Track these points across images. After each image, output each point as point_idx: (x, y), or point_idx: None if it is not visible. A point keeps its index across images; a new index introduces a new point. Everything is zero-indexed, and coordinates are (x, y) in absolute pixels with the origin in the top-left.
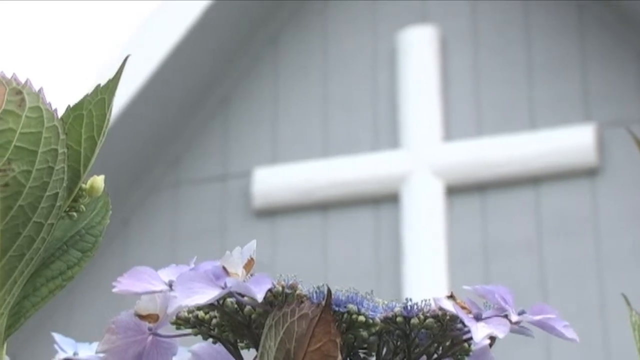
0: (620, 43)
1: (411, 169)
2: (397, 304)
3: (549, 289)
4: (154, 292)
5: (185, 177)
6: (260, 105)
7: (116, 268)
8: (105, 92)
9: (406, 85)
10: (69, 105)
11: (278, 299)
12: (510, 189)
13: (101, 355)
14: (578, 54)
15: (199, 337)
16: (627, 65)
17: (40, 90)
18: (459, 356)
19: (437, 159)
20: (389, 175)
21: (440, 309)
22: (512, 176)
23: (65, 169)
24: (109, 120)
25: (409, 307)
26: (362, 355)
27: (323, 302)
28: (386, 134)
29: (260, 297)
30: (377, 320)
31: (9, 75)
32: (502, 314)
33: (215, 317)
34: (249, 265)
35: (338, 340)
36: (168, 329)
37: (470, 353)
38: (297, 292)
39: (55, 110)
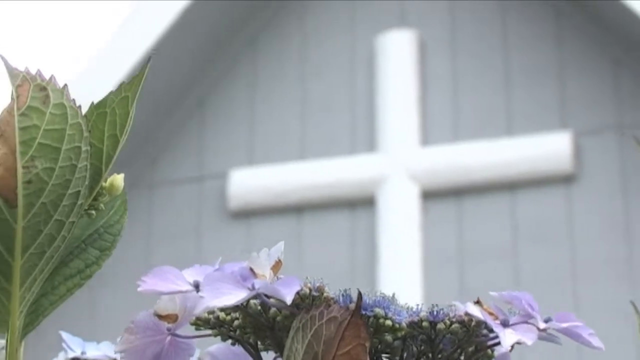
0: (598, 51)
1: (388, 173)
2: (422, 309)
3: None
4: (179, 292)
5: (161, 178)
6: (238, 106)
7: None
8: (129, 90)
9: (384, 89)
10: (92, 103)
11: (305, 302)
12: (486, 195)
13: (110, 354)
14: (555, 61)
15: (217, 338)
16: (604, 73)
17: (64, 86)
18: None
19: (414, 163)
20: (366, 179)
21: (467, 314)
22: (489, 182)
23: (88, 166)
24: (132, 118)
25: (435, 312)
26: None
27: (351, 306)
28: (363, 137)
29: (289, 299)
30: (404, 324)
31: (33, 72)
32: (528, 321)
33: (237, 318)
34: (276, 267)
35: (367, 344)
36: (187, 330)
37: (493, 359)
38: (325, 294)
39: (79, 107)
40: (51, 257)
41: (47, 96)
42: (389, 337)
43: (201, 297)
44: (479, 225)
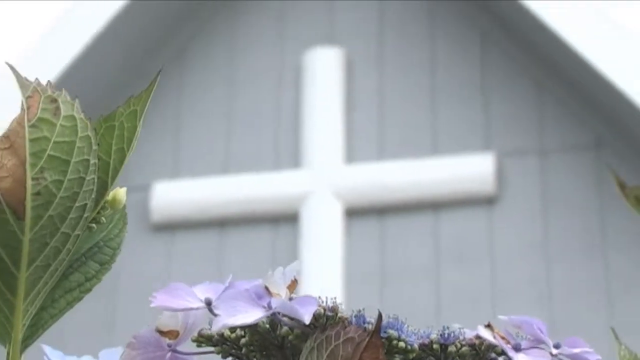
0: (522, 74)
1: (311, 190)
2: (432, 331)
3: (443, 314)
4: (190, 309)
5: None
6: (163, 118)
7: None
8: (137, 104)
9: (310, 105)
10: (101, 116)
11: (319, 322)
12: (409, 214)
13: None
14: (480, 82)
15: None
16: (527, 95)
17: (75, 98)
18: None
19: (338, 180)
20: (289, 195)
21: (477, 337)
22: (412, 201)
23: (95, 180)
24: (139, 132)
25: (446, 335)
26: None
27: (369, 327)
28: (288, 153)
29: (307, 319)
30: (415, 346)
31: (43, 83)
32: (539, 346)
33: (242, 336)
34: (292, 286)
35: None
36: (187, 347)
37: None
38: (339, 314)
39: (89, 119)
40: (55, 270)
41: (58, 108)
42: (399, 359)
43: (217, 315)
44: (402, 244)
